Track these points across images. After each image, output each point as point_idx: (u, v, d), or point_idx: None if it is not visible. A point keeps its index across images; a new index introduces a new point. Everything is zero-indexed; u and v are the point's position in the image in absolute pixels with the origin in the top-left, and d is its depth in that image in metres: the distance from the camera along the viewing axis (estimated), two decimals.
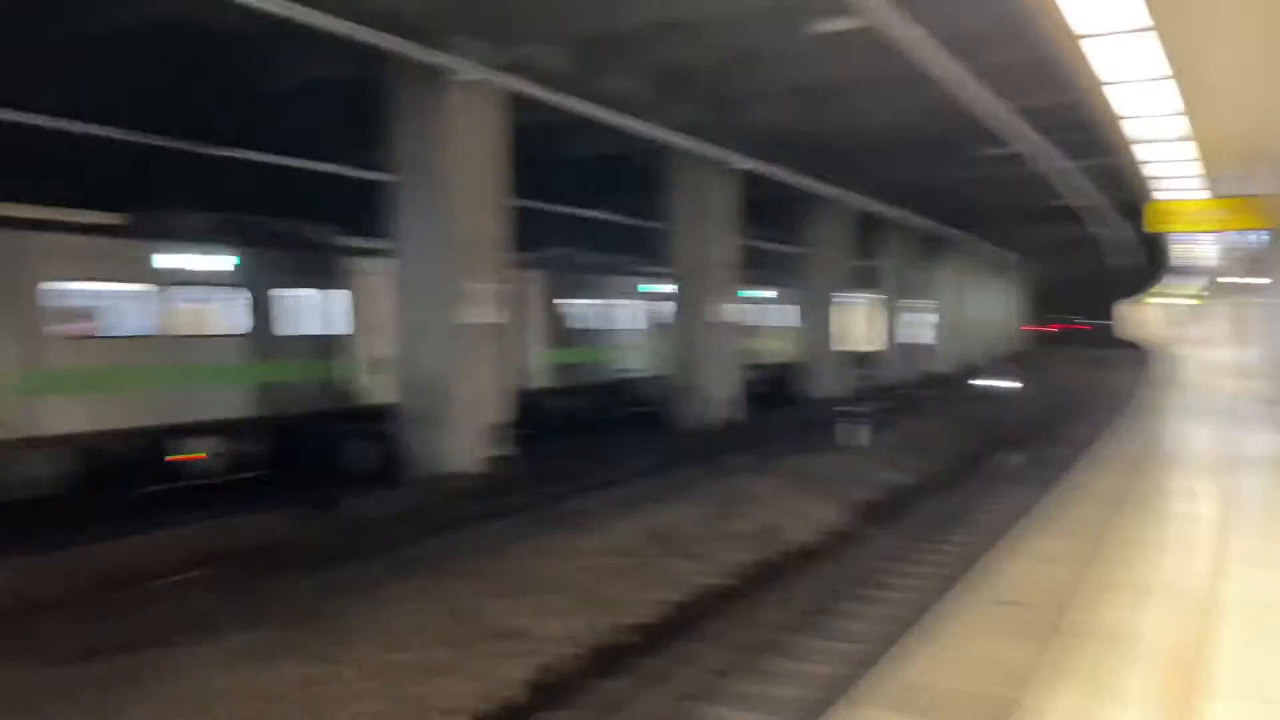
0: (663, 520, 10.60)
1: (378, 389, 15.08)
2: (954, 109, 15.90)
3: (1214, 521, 7.31)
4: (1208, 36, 5.78)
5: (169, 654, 6.61)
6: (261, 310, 13.77)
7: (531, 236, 21.68)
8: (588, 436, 18.90)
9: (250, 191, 16.31)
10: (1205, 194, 11.13)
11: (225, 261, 13.44)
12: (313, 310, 14.66)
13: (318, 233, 15.41)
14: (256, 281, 13.78)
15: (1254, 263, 22.96)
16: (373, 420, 14.52)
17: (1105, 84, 6.52)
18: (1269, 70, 6.52)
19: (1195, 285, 34.75)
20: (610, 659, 7.45)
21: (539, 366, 19.29)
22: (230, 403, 13.23)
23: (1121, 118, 7.79)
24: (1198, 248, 23.93)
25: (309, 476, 13.19)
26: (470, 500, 12.35)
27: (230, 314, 13.67)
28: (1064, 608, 5.09)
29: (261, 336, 13.72)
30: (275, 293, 14.05)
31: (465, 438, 13.65)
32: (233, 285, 13.61)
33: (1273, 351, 17.53)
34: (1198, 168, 10.75)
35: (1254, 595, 5.27)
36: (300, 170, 17.61)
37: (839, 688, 6.06)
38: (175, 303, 12.88)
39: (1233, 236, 20.07)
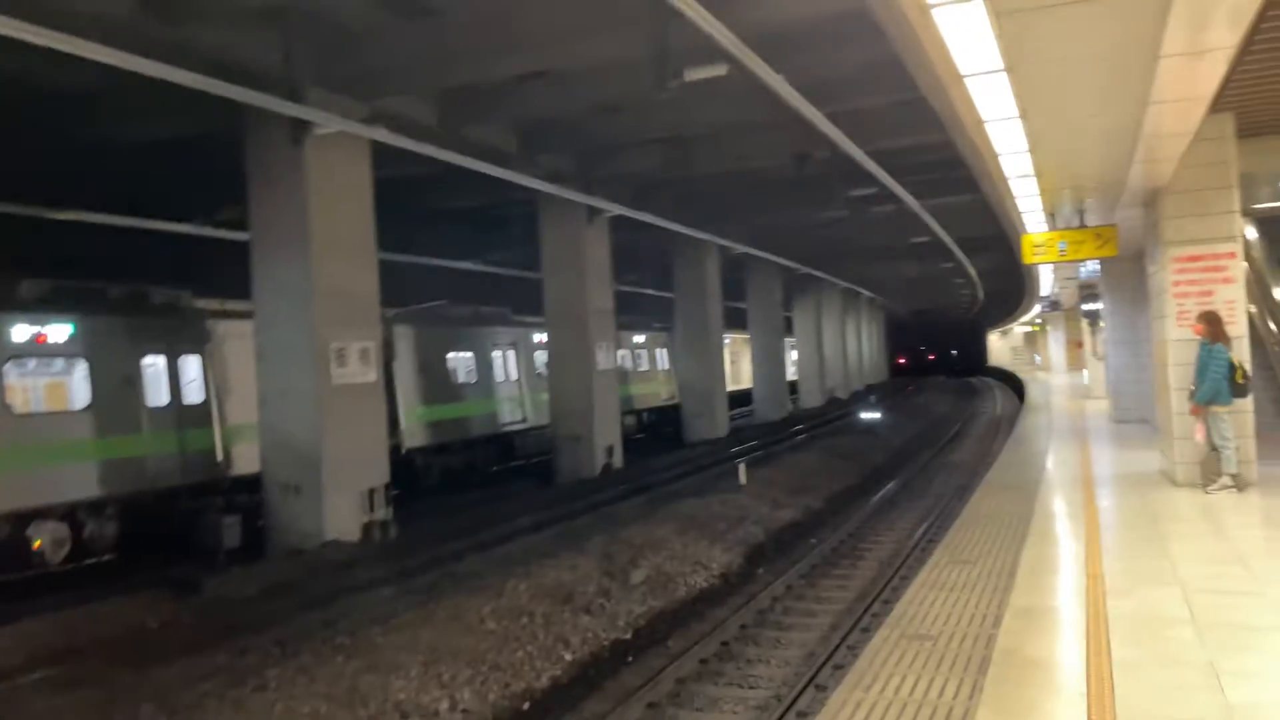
0: (558, 576, 10.29)
1: (240, 458, 14.26)
2: (820, 151, 16.44)
3: (1095, 539, 7.55)
4: (1052, 79, 6.04)
5: None
6: (102, 381, 12.79)
7: (413, 291, 21.41)
8: (471, 494, 18.42)
9: (101, 256, 15.31)
10: (1071, 225, 11.78)
11: (59, 330, 12.45)
12: (161, 378, 13.74)
13: (167, 296, 14.56)
14: (96, 350, 12.83)
15: (1085, 289, 24.54)
16: (234, 492, 13.70)
17: (984, 122, 6.75)
18: (1103, 110, 6.90)
19: (1051, 313, 36.79)
20: None
21: (415, 425, 18.70)
22: (70, 483, 12.20)
23: (998, 155, 8.11)
24: (1054, 276, 25.36)
25: (169, 556, 12.28)
26: (349, 570, 11.73)
27: (66, 386, 12.67)
28: (973, 638, 5.09)
29: (103, 409, 12.73)
30: (118, 361, 13.10)
31: (338, 504, 12.98)
32: (68, 355, 12.62)
33: (1113, 374, 18.60)
34: (1039, 202, 11.30)
35: (1145, 613, 5.40)
36: (153, 231, 16.65)
37: None
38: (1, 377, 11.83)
39: (1072, 266, 21.31)
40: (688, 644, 8.90)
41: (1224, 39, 5.42)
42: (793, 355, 44.21)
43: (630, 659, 8.79)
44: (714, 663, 8.44)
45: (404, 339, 18.77)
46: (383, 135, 12.11)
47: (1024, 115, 6.60)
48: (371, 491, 13.54)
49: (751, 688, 7.90)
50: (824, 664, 7.90)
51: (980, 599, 5.85)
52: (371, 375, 13.74)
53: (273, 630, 9.01)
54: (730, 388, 33.01)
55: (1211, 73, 6.20)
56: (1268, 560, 6.44)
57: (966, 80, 5.70)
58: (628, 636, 9.24)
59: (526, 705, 7.65)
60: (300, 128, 12.02)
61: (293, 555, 12.47)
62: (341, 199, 13.27)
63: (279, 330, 13.12)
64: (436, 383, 19.57)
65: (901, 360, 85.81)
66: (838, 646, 8.35)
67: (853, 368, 50.75)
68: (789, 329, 41.47)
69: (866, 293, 53.92)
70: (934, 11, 4.54)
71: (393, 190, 17.93)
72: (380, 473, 13.83)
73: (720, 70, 10.21)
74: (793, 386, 41.52)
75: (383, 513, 13.71)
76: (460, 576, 10.89)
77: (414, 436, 18.60)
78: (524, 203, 19.36)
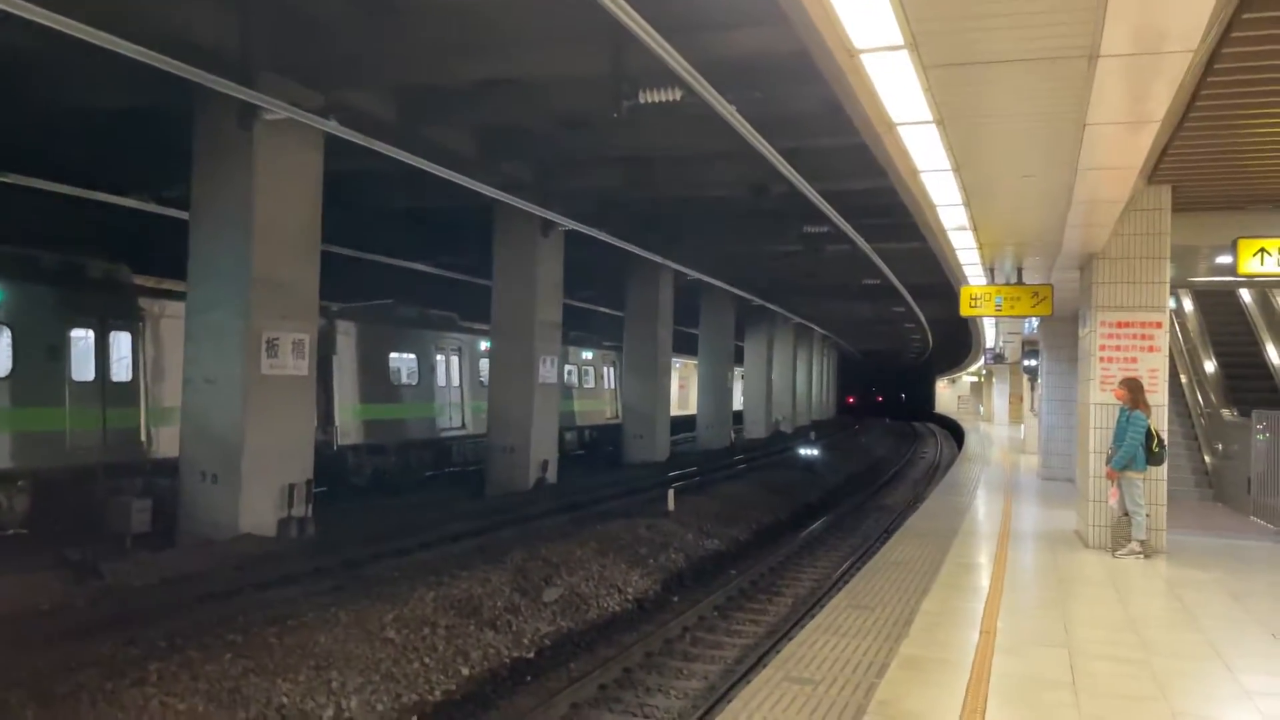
0: (469, 589, 10.13)
1: (166, 441, 13.92)
2: (777, 185, 16.54)
3: (997, 594, 7.59)
4: (984, 135, 6.09)
5: None
6: (25, 350, 12.43)
7: (362, 286, 21.21)
8: (400, 498, 18.17)
9: (38, 224, 14.91)
10: (1011, 281, 11.97)
11: None
12: (88, 353, 13.38)
13: (104, 269, 14.21)
14: (20, 319, 12.46)
15: (1027, 345, 24.95)
16: (156, 475, 13.35)
17: (919, 172, 6.80)
18: (1037, 170, 6.98)
19: (997, 365, 37.32)
20: None
21: (350, 422, 18.46)
22: None
23: (935, 205, 8.17)
24: (998, 329, 25.76)
25: (80, 537, 11.89)
26: (257, 565, 11.48)
27: None
28: (854, 686, 5.06)
29: (23, 379, 12.36)
30: (44, 332, 12.74)
31: (256, 497, 12.71)
32: None
33: (1045, 431, 18.87)
34: (978, 255, 11.42)
35: (1029, 673, 5.41)
36: (93, 202, 16.24)
37: None
38: None
39: (1016, 320, 21.64)
40: (590, 667, 8.79)
41: (1150, 112, 5.51)
42: (741, 385, 44.41)
43: (529, 679, 8.66)
44: (613, 689, 8.34)
45: (346, 334, 18.56)
46: (334, 128, 11.94)
47: (957, 169, 6.66)
48: (292, 487, 13.29)
49: (646, 717, 7.82)
50: (721, 699, 7.85)
51: (870, 646, 5.83)
52: (303, 368, 13.50)
53: (165, 622, 8.76)
54: (676, 412, 33.05)
55: (1141, 144, 6.31)
56: (1160, 630, 6.50)
57: (899, 129, 5.73)
58: (530, 655, 9.11)
59: (414, 719, 7.49)
60: (249, 111, 11.83)
61: (203, 546, 12.17)
62: (288, 187, 13.08)
63: (211, 314, 12.88)
64: (376, 382, 19.35)
65: (850, 400, 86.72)
66: (737, 682, 8.30)
67: (800, 402, 51.06)
68: (740, 359, 41.65)
69: (820, 329, 54.41)
70: (862, 58, 4.55)
71: (348, 184, 17.75)
72: (303, 468, 13.58)
73: (674, 95, 10.23)
74: (739, 416, 41.67)
75: (302, 509, 13.45)
76: (370, 581, 10.70)
77: (348, 434, 18.34)
78: (481, 209, 19.22)
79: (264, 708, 7.03)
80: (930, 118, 5.42)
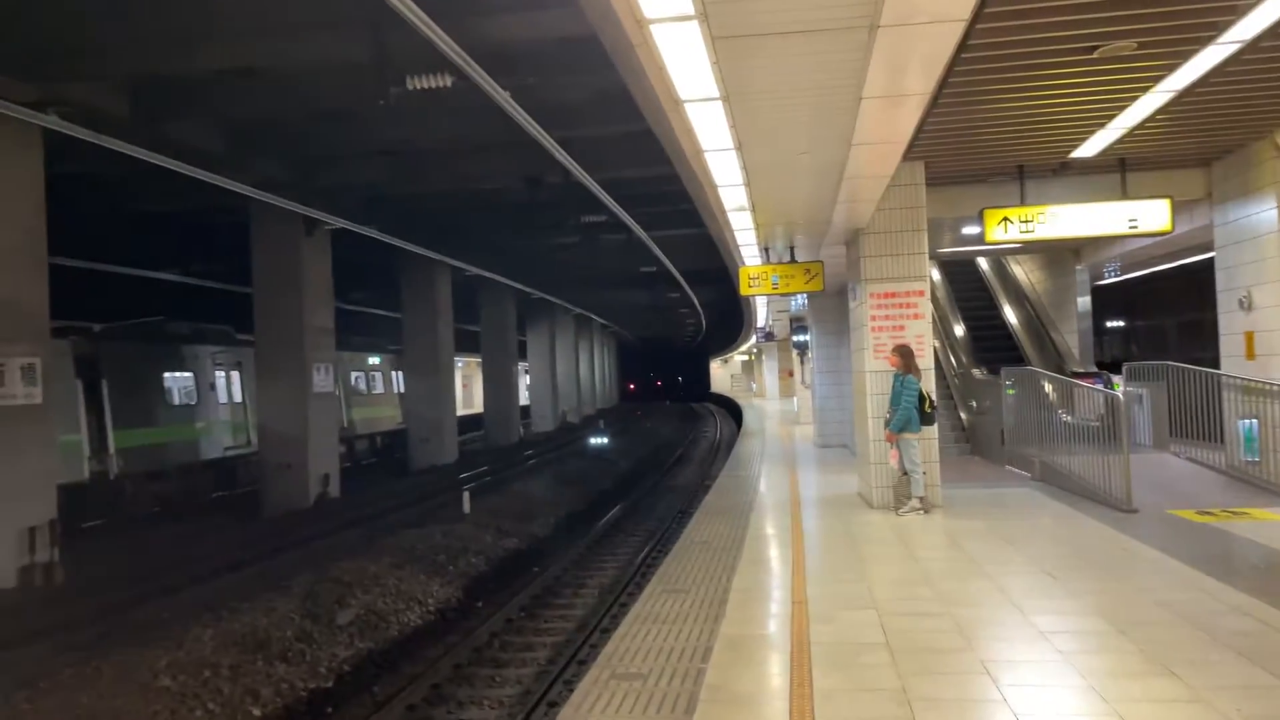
0: (256, 620, 9.30)
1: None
2: (553, 176, 16.34)
3: (800, 564, 7.77)
4: (766, 111, 6.14)
5: None
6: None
7: (112, 303, 19.74)
8: (173, 526, 16.67)
9: None
10: (784, 260, 12.33)
11: None
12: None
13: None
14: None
15: (795, 321, 26.26)
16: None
17: (703, 151, 6.77)
18: (811, 147, 7.16)
19: (767, 343, 38.99)
20: None
21: (127, 449, 17.31)
22: None
23: (717, 186, 8.21)
24: (768, 309, 26.85)
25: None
26: None
27: None
28: (682, 675, 4.95)
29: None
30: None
31: None
32: None
33: (818, 402, 19.85)
34: (754, 236, 11.73)
35: (845, 638, 5.50)
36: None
37: None
38: None
39: (784, 299, 22.64)
40: (396, 689, 8.28)
41: (920, 85, 5.73)
42: (526, 380, 44.13)
43: (330, 709, 8.04)
44: (422, 708, 7.89)
45: (113, 357, 17.45)
46: (52, 123, 10.58)
47: (740, 147, 6.71)
48: (33, 530, 11.76)
49: None
50: (538, 702, 7.60)
51: (691, 630, 5.75)
52: (36, 396, 11.96)
53: None
54: (462, 412, 32.34)
55: (909, 117, 6.58)
56: (953, 581, 6.85)
57: (686, 105, 5.66)
58: (329, 684, 8.48)
59: None
60: None
61: None
62: (1, 193, 11.50)
63: None
64: (151, 404, 18.32)
65: (632, 386, 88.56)
66: (553, 682, 8.07)
67: (585, 393, 51.42)
68: (523, 353, 41.34)
69: (599, 319, 54.98)
70: (652, 28, 4.40)
71: (79, 187, 15.96)
72: (44, 509, 12.06)
73: (445, 81, 9.78)
74: (526, 411, 41.40)
75: (46, 554, 11.95)
76: (137, 626, 9.63)
77: (126, 462, 17.11)
78: (234, 210, 17.83)
79: None
80: (717, 94, 5.37)
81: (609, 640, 5.77)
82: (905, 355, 10.01)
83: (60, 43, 11.20)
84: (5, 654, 8.96)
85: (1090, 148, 9.67)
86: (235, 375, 21.29)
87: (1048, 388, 12.98)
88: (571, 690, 5.93)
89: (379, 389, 28.91)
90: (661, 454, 30.33)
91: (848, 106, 5.86)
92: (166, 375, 19.13)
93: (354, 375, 27.34)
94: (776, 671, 4.93)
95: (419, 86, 9.94)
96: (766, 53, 4.83)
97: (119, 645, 8.70)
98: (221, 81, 12.91)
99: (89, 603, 10.88)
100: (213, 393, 20.49)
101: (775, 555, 8.42)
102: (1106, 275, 20.16)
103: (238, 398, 21.25)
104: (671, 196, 17.39)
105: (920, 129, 8.71)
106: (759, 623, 5.97)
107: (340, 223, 17.74)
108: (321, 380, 19.15)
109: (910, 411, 9.86)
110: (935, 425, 10.43)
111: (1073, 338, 17.84)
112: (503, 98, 9.44)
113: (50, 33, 11.00)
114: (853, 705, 4.38)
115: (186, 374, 19.79)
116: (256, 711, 7.69)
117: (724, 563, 7.90)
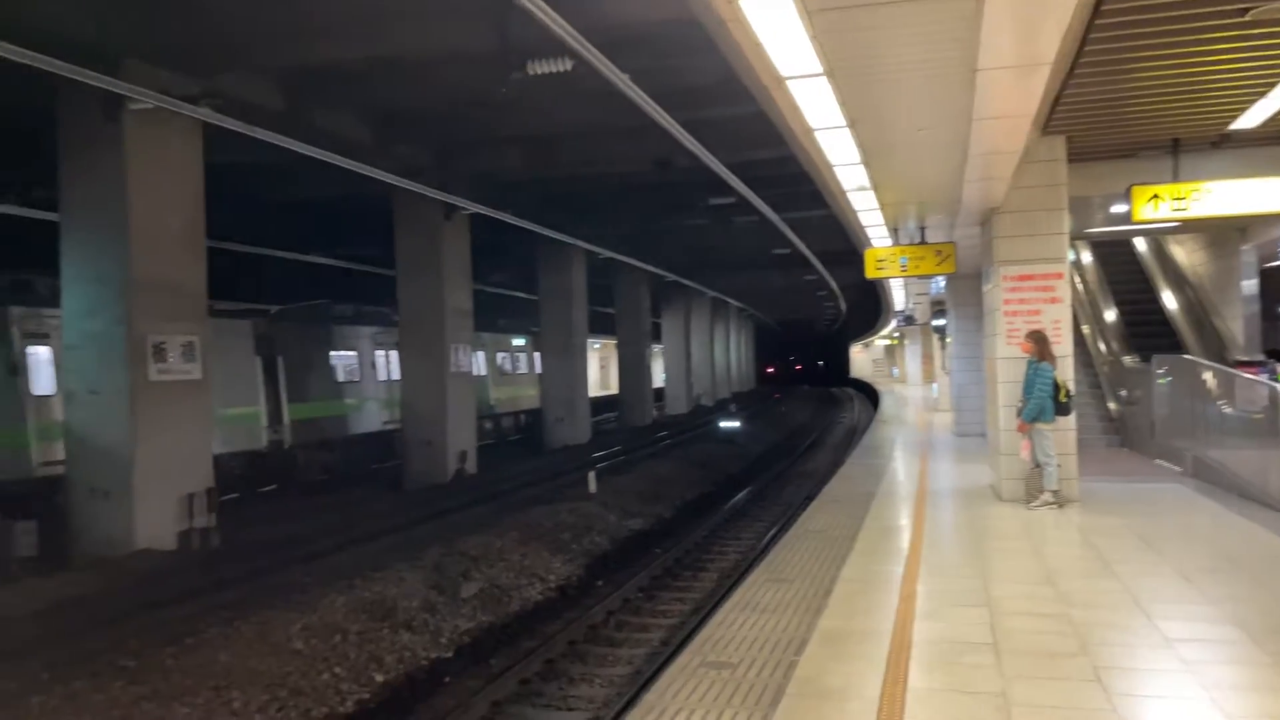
0: (386, 590, 9.72)
1: (54, 456, 13.19)
2: (679, 158, 16.26)
3: (916, 556, 7.51)
4: (875, 86, 5.91)
5: None
6: None
7: (270, 285, 21.23)
8: (320, 497, 17.66)
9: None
10: (914, 241, 11.94)
11: None
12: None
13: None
14: None
15: (936, 305, 25.33)
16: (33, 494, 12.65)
17: (813, 130, 6.59)
18: (931, 123, 6.85)
19: (908, 327, 37.85)
20: None
21: (298, 421, 18.91)
22: None
23: (832, 165, 8.00)
24: (907, 292, 26.07)
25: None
26: (156, 582, 10.84)
27: None
28: (773, 666, 4.87)
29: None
30: None
31: (151, 510, 12.05)
32: None
33: (956, 389, 19.13)
34: (880, 217, 11.36)
35: (950, 636, 5.29)
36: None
37: None
38: None
39: (924, 282, 21.89)
40: (511, 662, 8.50)
41: (1040, 54, 5.38)
42: (661, 362, 44.34)
43: (448, 679, 8.32)
44: (536, 683, 8.07)
45: (287, 336, 18.93)
46: (207, 115, 11.25)
47: (852, 125, 6.48)
48: (191, 497, 12.64)
49: (570, 709, 7.57)
50: (647, 683, 7.64)
51: (790, 620, 5.66)
52: (195, 372, 12.83)
53: (48, 651, 8.16)
54: (598, 393, 32.89)
55: (1033, 89, 6.21)
56: (1077, 580, 6.49)
57: (788, 83, 5.50)
58: (449, 655, 8.77)
59: None
60: (114, 102, 11.07)
61: (95, 565, 11.49)
62: (165, 181, 12.34)
63: (90, 321, 12.15)
64: (319, 380, 19.87)
65: (770, 369, 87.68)
66: (663, 663, 8.10)
67: (720, 376, 51.28)
68: (658, 336, 41.54)
69: (735, 302, 54.62)
70: (742, 4, 4.29)
71: (237, 177, 16.93)
72: (202, 477, 12.94)
73: (565, 66, 9.87)
74: (660, 393, 41.65)
75: (204, 519, 12.81)
76: (277, 590, 10.20)
77: (298, 433, 18.77)
78: (379, 196, 18.56)
79: None
80: (819, 70, 5.20)
81: (704, 628, 5.73)
82: (1039, 341, 9.50)
83: (216, 37, 11.87)
84: (160, 612, 9.67)
85: (1251, 118, 8.89)
86: (393, 355, 22.26)
87: (1203, 376, 12.08)
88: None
89: (522, 369, 29.80)
90: (794, 439, 29.96)
91: (962, 79, 5.56)
92: (333, 354, 20.59)
93: (499, 356, 28.24)
94: (872, 668, 4.78)
95: (539, 71, 10.07)
96: (866, 25, 4.62)
97: (261, 607, 9.24)
98: (365, 72, 13.42)
99: (236, 566, 11.60)
100: (373, 370, 21.82)
101: (890, 547, 8.17)
102: (1279, 256, 18.55)
103: (395, 376, 22.24)
104: (798, 178, 17.03)
105: (1058, 101, 8.22)
106: (861, 616, 5.80)
107: (477, 207, 18.20)
108: (460, 360, 19.78)
109: (1044, 400, 9.36)
110: (1072, 416, 9.87)
111: (1236, 323, 16.52)
112: (622, 81, 9.44)
113: (208, 28, 11.68)
114: (947, 707, 4.20)
115: (350, 352, 21.25)
116: (379, 677, 8.03)
117: (835, 552, 7.73)
